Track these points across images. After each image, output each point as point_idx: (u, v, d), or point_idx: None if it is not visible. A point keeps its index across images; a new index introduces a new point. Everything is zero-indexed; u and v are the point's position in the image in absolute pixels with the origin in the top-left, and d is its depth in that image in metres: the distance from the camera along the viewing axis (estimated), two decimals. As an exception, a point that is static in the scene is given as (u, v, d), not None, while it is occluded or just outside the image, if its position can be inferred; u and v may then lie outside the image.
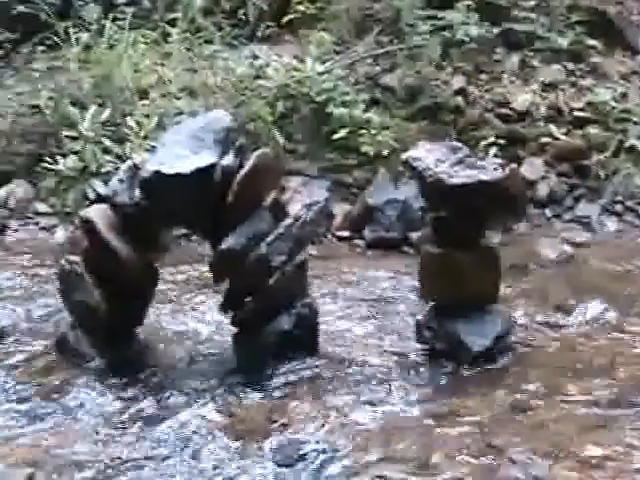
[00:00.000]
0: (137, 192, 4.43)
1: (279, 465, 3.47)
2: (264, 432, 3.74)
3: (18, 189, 7.62)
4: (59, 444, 3.72)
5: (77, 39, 8.33)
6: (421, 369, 4.36)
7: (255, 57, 8.64)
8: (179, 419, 3.85)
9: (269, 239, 4.38)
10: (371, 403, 4.00)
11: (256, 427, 3.80)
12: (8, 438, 3.79)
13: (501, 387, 4.15)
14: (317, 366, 4.35)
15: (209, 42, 8.61)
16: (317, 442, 3.60)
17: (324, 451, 3.54)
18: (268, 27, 9.17)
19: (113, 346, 4.46)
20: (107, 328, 4.43)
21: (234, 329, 4.51)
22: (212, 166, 4.34)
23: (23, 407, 4.06)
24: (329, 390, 4.12)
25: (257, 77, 8.11)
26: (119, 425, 3.87)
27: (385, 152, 7.43)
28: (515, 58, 8.69)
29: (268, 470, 3.44)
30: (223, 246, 4.33)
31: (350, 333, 4.85)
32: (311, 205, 4.69)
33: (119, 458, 3.59)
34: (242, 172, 4.36)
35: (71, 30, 8.32)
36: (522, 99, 8.26)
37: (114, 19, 8.49)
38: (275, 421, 3.83)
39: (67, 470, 3.51)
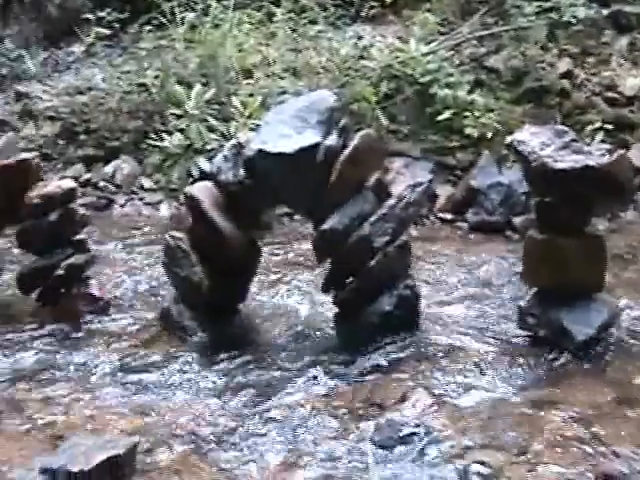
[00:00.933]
0: (241, 170, 4.47)
1: (379, 446, 3.47)
2: (363, 412, 3.76)
3: (124, 165, 7.80)
4: (162, 415, 3.81)
5: (183, 19, 8.45)
6: (523, 356, 4.28)
7: (359, 37, 8.63)
8: (279, 395, 3.90)
9: (372, 219, 4.38)
10: (471, 388, 3.96)
11: (355, 407, 3.81)
12: (114, 407, 3.90)
13: (604, 378, 4.05)
14: (417, 348, 4.34)
15: (313, 22, 8.62)
16: (416, 425, 3.59)
17: (424, 434, 3.53)
18: (372, 8, 9.12)
19: (215, 321, 4.54)
20: (209, 304, 4.51)
21: (335, 308, 4.52)
22: (316, 146, 4.35)
23: (128, 378, 4.18)
24: (429, 373, 4.10)
25: (361, 57, 8.08)
26: (219, 399, 3.93)
27: (489, 134, 7.32)
28: (624, 41, 8.42)
29: (368, 451, 3.44)
30: (326, 226, 4.35)
31: (451, 317, 4.80)
32: (414, 186, 4.66)
33: (219, 432, 3.65)
34: (346, 152, 4.36)
35: (177, 10, 8.44)
36: (631, 83, 7.99)
37: (219, -1, 8.59)
38: (374, 402, 3.83)
39: (168, 441, 3.59)
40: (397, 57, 7.87)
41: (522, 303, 4.51)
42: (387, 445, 3.48)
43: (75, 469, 3.22)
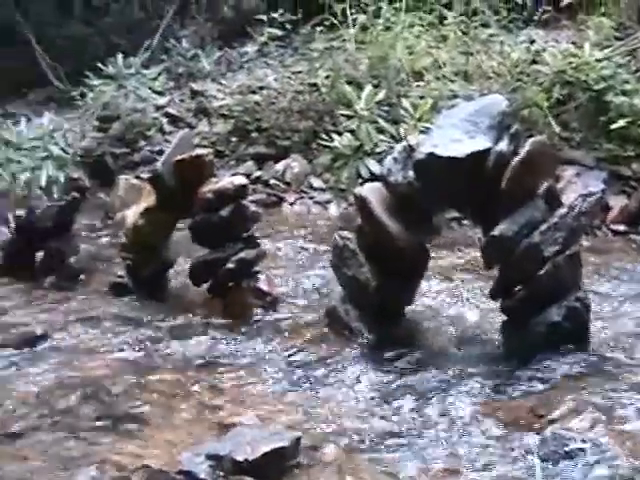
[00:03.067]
0: (411, 173, 4.47)
1: (543, 460, 3.38)
2: (528, 424, 3.69)
3: (294, 164, 7.94)
4: (326, 412, 3.87)
5: (354, 20, 8.52)
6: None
7: (532, 42, 8.48)
8: (444, 400, 3.89)
9: (542, 228, 4.29)
10: (640, 409, 3.80)
11: (519, 418, 3.75)
12: (280, 401, 4.00)
13: None
14: (586, 362, 4.21)
15: (485, 26, 8.53)
16: (583, 441, 3.47)
17: (591, 451, 3.41)
18: (545, 11, 8.93)
19: (382, 322, 4.56)
20: (376, 305, 4.53)
21: (502, 316, 4.47)
22: (486, 151, 4.31)
23: (294, 373, 4.27)
24: (598, 389, 3.96)
25: (533, 62, 7.93)
26: (384, 399, 3.96)
27: (666, 145, 7.05)
28: None
29: (532, 464, 3.37)
30: (495, 232, 4.29)
31: (623, 332, 4.64)
32: (586, 196, 4.55)
33: (380, 432, 3.67)
34: (517, 159, 4.30)
35: (349, 12, 8.52)
36: None
37: (391, 1, 8.61)
38: (539, 414, 3.75)
39: (331, 438, 3.64)
40: (570, 62, 7.66)
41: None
42: (552, 459, 3.39)
43: (240, 457, 3.32)
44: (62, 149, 8.71)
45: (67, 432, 3.78)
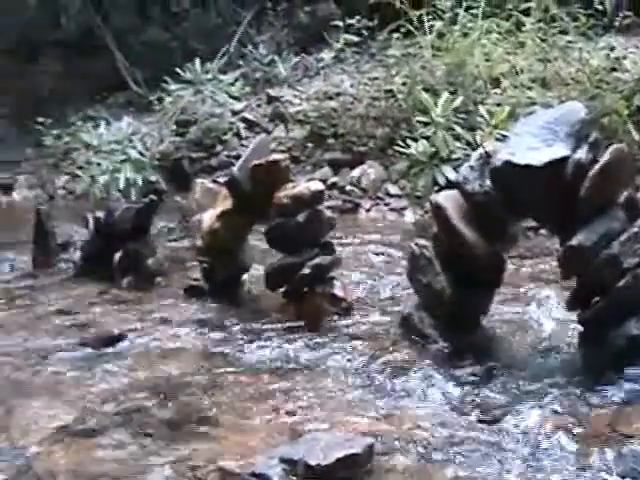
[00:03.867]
0: (487, 181, 4.43)
1: (622, 477, 3.32)
2: (605, 439, 3.60)
3: (370, 170, 7.97)
4: (399, 420, 3.85)
5: (431, 27, 8.50)
6: None
7: (611, 48, 8.34)
8: (519, 412, 3.83)
9: (622, 238, 4.20)
10: None
11: (597, 433, 3.67)
12: (353, 407, 3.99)
13: None
14: (667, 378, 4.12)
15: (564, 32, 8.43)
16: (662, 458, 3.42)
17: (671, 469, 3.35)
18: (626, 17, 8.77)
19: (457, 331, 4.53)
20: (451, 313, 4.50)
21: (580, 328, 4.40)
22: (564, 159, 4.24)
23: (368, 382, 4.26)
24: (680, 406, 3.87)
25: (613, 69, 7.81)
26: (458, 409, 3.93)
27: None
28: None
29: (613, 482, 3.32)
30: (573, 242, 4.22)
31: None
32: (670, 207, 4.44)
33: (456, 441, 3.64)
34: (596, 167, 4.22)
35: (425, 18, 8.50)
36: None
37: (467, 8, 8.56)
38: (617, 430, 3.67)
39: (403, 445, 3.62)
40: (652, 70, 7.56)
41: None
42: (630, 476, 3.32)
43: (314, 462, 3.33)
44: (140, 152, 8.91)
45: (141, 432, 3.85)
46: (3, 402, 4.21)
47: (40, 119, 10.34)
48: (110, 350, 4.85)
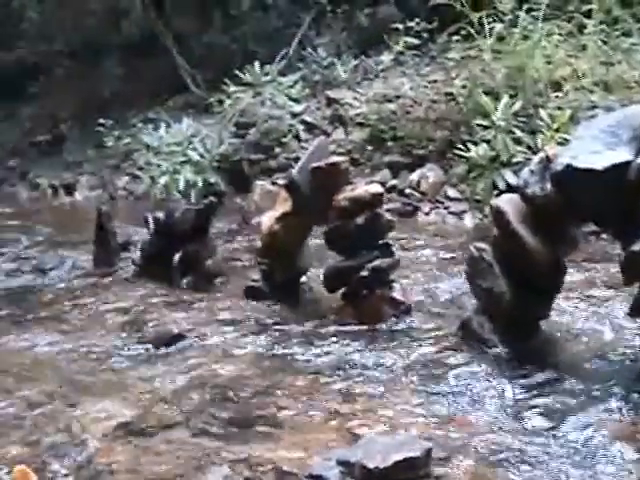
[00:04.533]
0: (548, 185, 4.38)
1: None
2: (669, 448, 3.56)
3: (430, 173, 7.94)
4: (457, 425, 3.82)
5: (491, 29, 8.42)
6: None
7: (677, 51, 8.19)
8: (579, 419, 3.78)
9: (686, 245, 4.13)
10: None
11: (660, 441, 3.62)
12: (411, 410, 3.98)
13: None
14: None
15: (627, 34, 8.29)
16: None
17: None
18: (692, 19, 8.63)
19: (516, 336, 4.49)
20: (511, 317, 4.47)
21: (641, 335, 4.35)
22: (627, 164, 4.17)
23: (427, 384, 4.24)
24: None
25: (675, 71, 7.68)
26: (517, 415, 3.88)
27: None
28: None
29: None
30: (635, 247, 4.15)
31: None
32: None
33: (514, 447, 3.60)
34: (660, 172, 4.15)
35: (485, 21, 8.43)
36: None
37: (528, 10, 8.47)
38: (677, 440, 3.62)
39: (462, 450, 3.59)
40: None
41: None
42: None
43: (371, 465, 3.32)
44: (200, 154, 9.01)
45: (200, 431, 3.89)
46: (66, 399, 4.30)
47: (102, 121, 10.53)
48: (170, 349, 4.91)
